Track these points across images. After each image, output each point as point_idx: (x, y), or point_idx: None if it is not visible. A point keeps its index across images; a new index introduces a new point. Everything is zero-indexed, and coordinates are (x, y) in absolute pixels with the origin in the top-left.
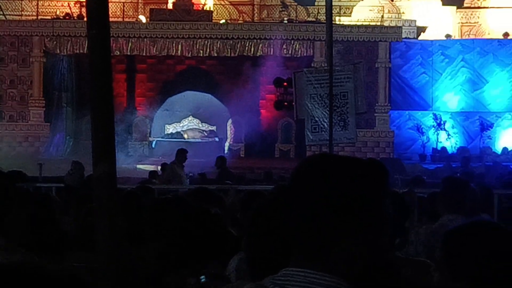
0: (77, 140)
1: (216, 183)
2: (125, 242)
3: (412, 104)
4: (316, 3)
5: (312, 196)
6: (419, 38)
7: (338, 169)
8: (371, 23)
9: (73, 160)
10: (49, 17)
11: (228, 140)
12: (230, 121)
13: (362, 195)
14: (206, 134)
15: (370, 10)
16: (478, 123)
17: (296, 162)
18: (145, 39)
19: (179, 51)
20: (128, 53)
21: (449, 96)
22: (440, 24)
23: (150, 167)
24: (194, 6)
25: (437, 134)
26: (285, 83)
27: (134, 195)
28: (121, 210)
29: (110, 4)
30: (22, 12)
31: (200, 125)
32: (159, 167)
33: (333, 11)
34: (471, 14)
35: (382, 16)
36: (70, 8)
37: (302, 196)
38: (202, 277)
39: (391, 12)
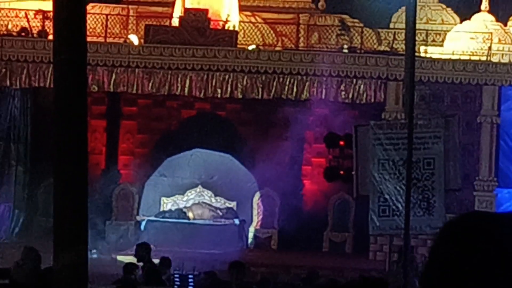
0: (30, 215)
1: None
2: None
3: None
4: (391, 24)
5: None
6: None
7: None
8: (473, 57)
9: (24, 245)
10: None
11: (254, 224)
12: (257, 195)
13: None
14: (221, 214)
15: (472, 38)
16: None
17: (354, 260)
18: (136, 70)
19: (186, 89)
20: (111, 90)
21: None
22: None
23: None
24: (211, 23)
25: None
26: (341, 142)
27: None
28: None
29: (88, 17)
30: None
31: (213, 200)
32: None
33: (417, 38)
34: None
35: (490, 48)
36: (28, 21)
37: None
38: None
39: (503, 41)
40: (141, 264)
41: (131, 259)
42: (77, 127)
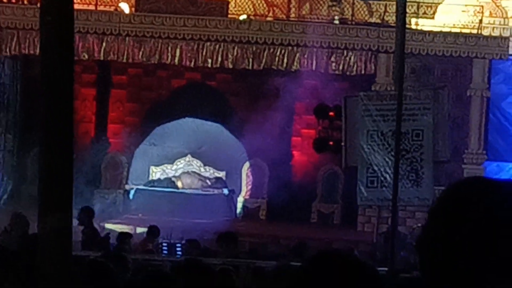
0: (19, 183)
1: (214, 255)
2: None
3: None
4: None
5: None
6: None
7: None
8: (464, 30)
9: (13, 212)
10: None
11: (243, 193)
12: (246, 165)
13: None
14: (210, 183)
15: (463, 11)
16: None
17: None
18: (127, 38)
19: (176, 59)
20: (101, 58)
21: None
22: None
23: (125, 228)
24: None
25: None
26: (331, 113)
27: (100, 265)
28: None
29: None
30: None
31: (202, 170)
32: (138, 229)
33: (408, 10)
34: None
35: (481, 21)
36: None
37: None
38: None
39: (495, 15)
40: (82, 227)
41: (120, 227)
42: (64, 95)
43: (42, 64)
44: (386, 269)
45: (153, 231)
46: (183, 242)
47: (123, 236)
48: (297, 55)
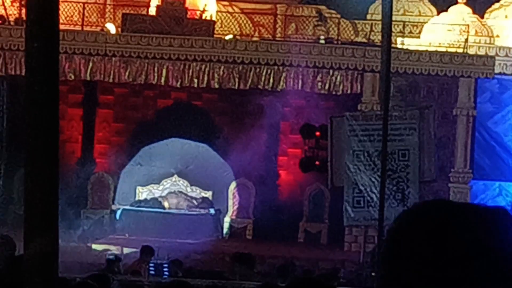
0: (6, 204)
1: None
2: None
3: (506, 173)
4: (368, 16)
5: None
6: None
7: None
8: (450, 49)
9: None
10: None
11: (229, 213)
12: (233, 185)
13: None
14: (196, 203)
15: (449, 30)
16: None
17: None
18: (113, 59)
19: (162, 79)
20: (88, 78)
21: None
22: None
23: (111, 248)
24: (188, 12)
25: None
26: (317, 133)
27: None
28: None
29: (62, 5)
30: None
31: (189, 190)
32: (125, 249)
33: (393, 29)
34: None
35: (466, 40)
36: (5, 9)
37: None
38: None
39: (480, 34)
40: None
41: (106, 247)
42: (49, 116)
43: (27, 86)
44: None
45: (146, 250)
46: (169, 262)
47: (111, 263)
48: (283, 74)
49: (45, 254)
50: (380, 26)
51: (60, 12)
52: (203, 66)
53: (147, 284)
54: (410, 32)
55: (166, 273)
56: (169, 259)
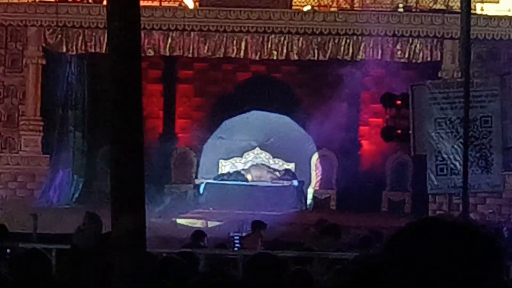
0: (90, 181)
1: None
2: None
3: None
4: None
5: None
6: None
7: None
8: None
9: (86, 211)
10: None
11: (313, 184)
12: (315, 156)
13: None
14: (279, 175)
15: None
16: None
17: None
18: (192, 34)
19: (241, 52)
20: (167, 54)
21: None
22: None
23: (196, 223)
24: None
25: None
26: (398, 102)
27: (173, 263)
28: (154, 283)
29: None
30: None
31: (271, 162)
32: (209, 223)
33: None
34: None
35: None
36: None
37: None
38: None
39: None
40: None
41: (191, 222)
42: (132, 93)
43: (110, 64)
44: None
45: (198, 235)
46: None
47: (198, 233)
48: (362, 44)
49: (132, 231)
50: None
51: None
52: (282, 38)
53: (232, 256)
54: None
55: (238, 245)
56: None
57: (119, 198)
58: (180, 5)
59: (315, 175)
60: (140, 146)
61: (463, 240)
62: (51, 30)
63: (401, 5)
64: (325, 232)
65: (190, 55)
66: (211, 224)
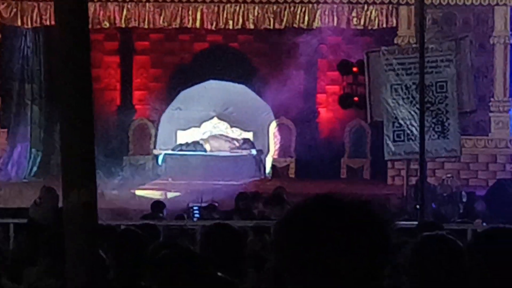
0: (48, 155)
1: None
2: None
3: None
4: None
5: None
6: None
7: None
8: None
9: (43, 185)
10: None
11: (271, 153)
12: (273, 125)
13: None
14: (238, 145)
15: None
16: None
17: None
18: (147, 4)
19: (197, 22)
20: (123, 25)
21: None
22: None
23: (155, 194)
24: None
25: None
26: (355, 69)
27: (131, 235)
28: (112, 256)
29: None
30: None
31: (229, 131)
32: (169, 194)
33: None
34: None
35: None
36: None
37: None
38: None
39: None
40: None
41: (150, 193)
42: (81, 64)
43: (58, 37)
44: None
45: (157, 206)
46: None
47: (157, 204)
48: (318, 12)
49: (84, 204)
50: None
51: None
52: (237, 7)
53: (191, 227)
54: None
55: (197, 215)
56: (214, 202)
57: (69, 174)
58: None
59: (274, 144)
60: (90, 120)
61: (347, 218)
62: (5, 4)
63: None
64: (271, 202)
65: (146, 26)
66: (170, 195)
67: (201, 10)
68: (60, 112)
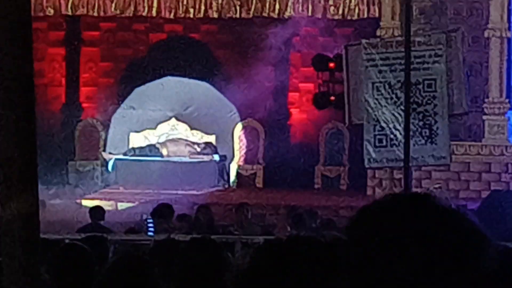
0: None
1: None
2: None
3: None
4: None
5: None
6: None
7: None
8: None
9: None
10: None
11: (236, 159)
12: (239, 127)
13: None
14: (199, 150)
15: None
16: None
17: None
18: None
19: (154, 10)
20: (69, 13)
21: None
22: None
23: (105, 204)
24: None
25: None
26: (331, 64)
27: (76, 250)
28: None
29: None
30: None
31: (189, 134)
32: (119, 205)
33: None
34: None
35: None
36: None
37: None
38: None
39: None
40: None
41: (99, 203)
42: (21, 57)
43: None
44: None
45: (164, 211)
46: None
47: (96, 211)
48: (290, 0)
49: (24, 215)
50: None
51: None
52: None
53: (148, 242)
54: None
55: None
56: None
57: (8, 181)
58: None
59: (239, 149)
60: (31, 120)
61: (439, 220)
62: None
63: None
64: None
65: (95, 14)
66: (121, 206)
67: None
68: None
